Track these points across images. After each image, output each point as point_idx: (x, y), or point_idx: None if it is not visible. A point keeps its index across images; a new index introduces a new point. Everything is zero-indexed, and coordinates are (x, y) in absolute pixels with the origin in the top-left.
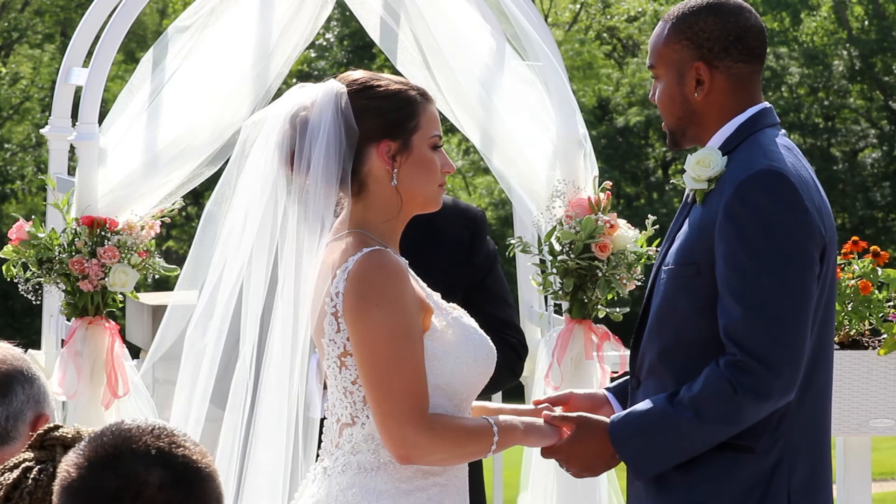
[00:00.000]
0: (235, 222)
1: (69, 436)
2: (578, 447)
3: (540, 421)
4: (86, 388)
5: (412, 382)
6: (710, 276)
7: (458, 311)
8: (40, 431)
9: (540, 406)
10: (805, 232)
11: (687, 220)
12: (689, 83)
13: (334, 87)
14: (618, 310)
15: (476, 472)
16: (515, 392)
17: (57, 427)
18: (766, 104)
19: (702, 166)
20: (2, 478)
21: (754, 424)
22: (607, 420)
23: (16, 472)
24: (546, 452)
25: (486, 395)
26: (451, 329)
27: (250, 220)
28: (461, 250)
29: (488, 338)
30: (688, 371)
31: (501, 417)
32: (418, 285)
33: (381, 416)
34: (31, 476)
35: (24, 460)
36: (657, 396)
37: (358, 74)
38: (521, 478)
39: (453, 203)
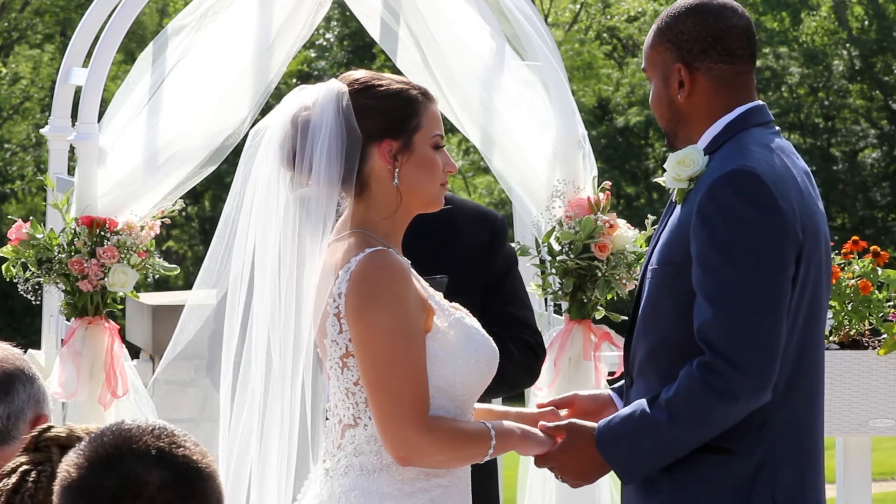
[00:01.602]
0: (246, 226)
1: (63, 435)
2: (569, 454)
3: (537, 429)
4: (86, 388)
5: (413, 384)
6: (688, 277)
7: (460, 312)
8: (34, 433)
9: (543, 410)
10: (777, 232)
11: (668, 221)
12: (672, 85)
13: (335, 86)
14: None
15: (491, 474)
16: (515, 394)
17: (49, 427)
18: (759, 102)
19: (682, 165)
20: (0, 484)
21: (736, 426)
22: (595, 426)
23: (14, 477)
24: (539, 461)
25: (501, 394)
26: (454, 330)
27: (261, 224)
28: (480, 252)
29: (490, 339)
30: (672, 371)
31: (498, 422)
32: (420, 286)
33: (382, 418)
34: (31, 479)
35: (21, 464)
36: (640, 400)
37: (359, 74)
38: (517, 477)
39: (474, 206)
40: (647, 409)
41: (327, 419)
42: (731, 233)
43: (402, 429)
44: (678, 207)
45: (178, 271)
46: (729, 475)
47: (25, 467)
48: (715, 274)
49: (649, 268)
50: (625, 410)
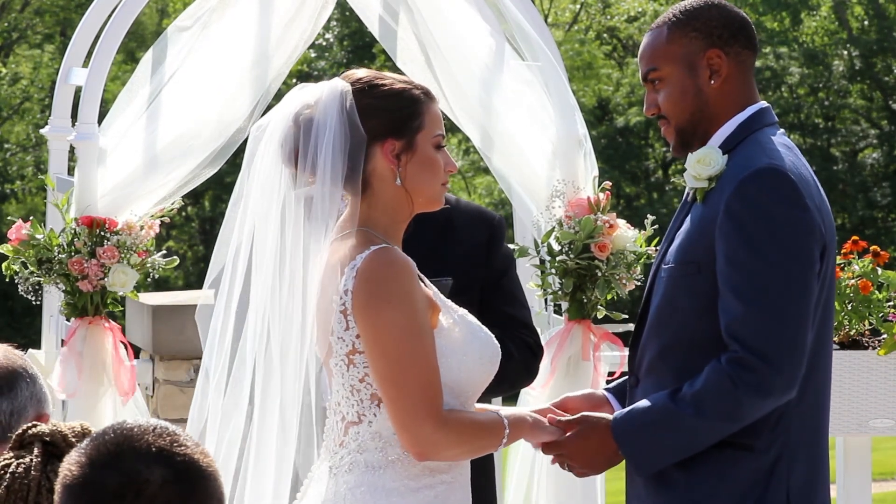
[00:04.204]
0: (247, 225)
1: (46, 431)
2: (581, 444)
3: (545, 419)
4: (86, 387)
5: (427, 379)
6: (710, 275)
7: (463, 310)
8: (19, 431)
9: (543, 409)
10: (806, 229)
11: (687, 219)
12: (702, 73)
13: (339, 85)
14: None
15: (488, 474)
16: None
17: (34, 425)
18: (765, 103)
19: (702, 165)
20: None
21: (754, 422)
22: (609, 417)
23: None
24: (548, 448)
25: (500, 394)
26: (458, 327)
27: (259, 221)
28: (478, 252)
29: (493, 336)
30: (688, 369)
31: (508, 411)
32: (424, 283)
33: (398, 414)
34: (10, 470)
35: (4, 460)
36: (659, 394)
37: (362, 73)
38: (505, 471)
39: (472, 207)
40: (671, 403)
41: (327, 417)
42: (762, 230)
43: (420, 424)
44: (697, 206)
45: (177, 262)
46: (746, 470)
47: (6, 461)
48: (745, 271)
49: (663, 266)
50: (642, 403)
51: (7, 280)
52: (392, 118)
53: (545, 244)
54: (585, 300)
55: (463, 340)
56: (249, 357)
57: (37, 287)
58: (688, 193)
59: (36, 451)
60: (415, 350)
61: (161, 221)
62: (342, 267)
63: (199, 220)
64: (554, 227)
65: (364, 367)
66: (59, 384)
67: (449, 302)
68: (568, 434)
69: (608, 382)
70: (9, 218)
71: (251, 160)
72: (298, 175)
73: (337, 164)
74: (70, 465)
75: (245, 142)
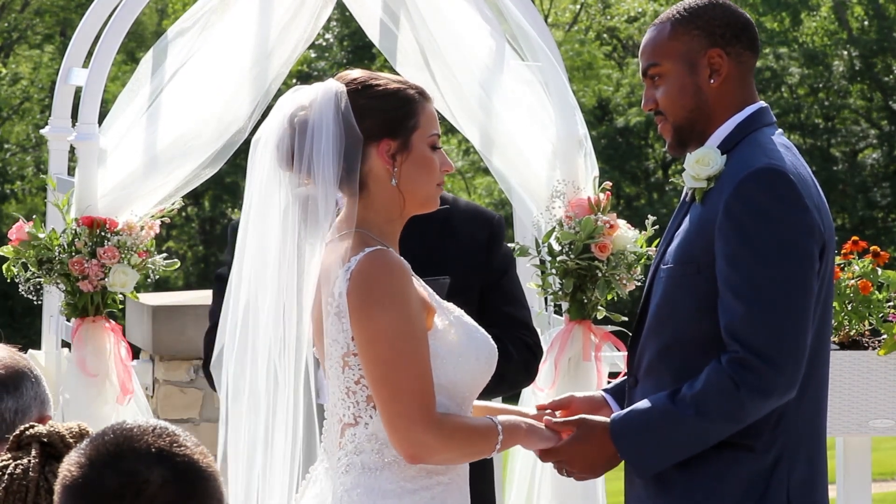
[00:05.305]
0: (250, 229)
1: (44, 432)
2: (579, 447)
3: (541, 424)
4: (86, 388)
5: (420, 382)
6: (710, 275)
7: (459, 311)
8: (16, 433)
9: (543, 411)
10: (805, 229)
11: (686, 219)
12: (702, 72)
13: (333, 86)
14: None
15: (487, 474)
16: (513, 394)
17: (32, 426)
18: (763, 103)
19: (701, 165)
20: None
21: (754, 423)
22: (607, 420)
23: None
24: (546, 455)
25: (500, 394)
26: (454, 328)
27: (258, 224)
28: (478, 252)
29: (490, 337)
30: (687, 370)
31: (504, 417)
32: (420, 285)
33: (390, 416)
34: (8, 472)
35: (2, 461)
36: (658, 395)
37: (356, 73)
38: (506, 473)
39: (472, 206)
40: (670, 404)
41: (325, 418)
42: (762, 230)
43: (412, 427)
44: (696, 206)
45: (178, 264)
46: (745, 471)
47: (3, 462)
48: (745, 271)
49: (662, 266)
50: (641, 404)
51: (7, 280)
52: (387, 118)
53: (545, 244)
54: (586, 300)
55: (459, 342)
56: (251, 359)
57: (37, 287)
58: (686, 193)
59: (34, 452)
60: (408, 353)
61: (161, 222)
62: (336, 269)
63: (199, 220)
64: (554, 228)
65: (359, 370)
66: (79, 363)
67: (444, 303)
68: (565, 439)
69: (609, 384)
70: (12, 214)
71: (250, 165)
72: (294, 176)
73: (333, 165)
74: (70, 465)
75: (244, 142)
